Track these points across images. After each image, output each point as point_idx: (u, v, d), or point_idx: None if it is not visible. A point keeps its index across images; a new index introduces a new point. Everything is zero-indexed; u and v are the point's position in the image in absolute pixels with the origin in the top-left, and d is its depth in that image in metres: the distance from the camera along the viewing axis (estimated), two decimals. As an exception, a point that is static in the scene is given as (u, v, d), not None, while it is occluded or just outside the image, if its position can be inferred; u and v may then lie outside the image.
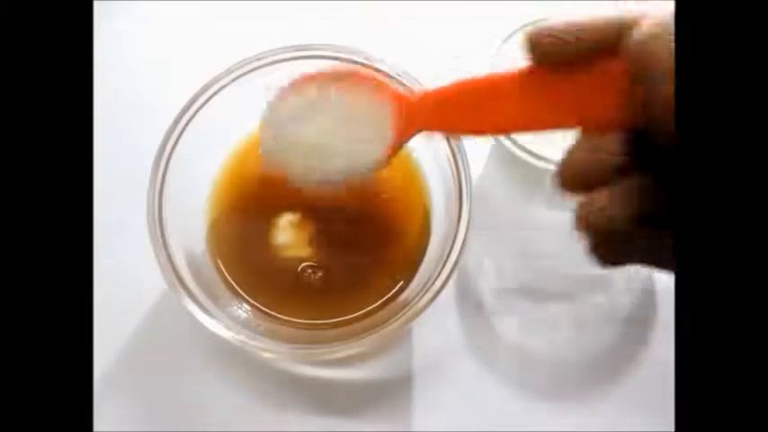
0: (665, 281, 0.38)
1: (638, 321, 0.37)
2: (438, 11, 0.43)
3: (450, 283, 0.31)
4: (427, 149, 0.35)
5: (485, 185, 0.39)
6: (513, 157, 0.36)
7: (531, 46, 0.22)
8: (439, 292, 0.31)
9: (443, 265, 0.31)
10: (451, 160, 0.33)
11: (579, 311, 0.37)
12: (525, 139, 0.36)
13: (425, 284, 0.31)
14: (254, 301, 0.34)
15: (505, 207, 0.39)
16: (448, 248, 0.31)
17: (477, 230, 0.37)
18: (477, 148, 0.38)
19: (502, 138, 0.36)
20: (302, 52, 0.34)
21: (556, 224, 0.39)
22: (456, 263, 0.31)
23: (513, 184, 0.39)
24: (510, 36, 0.38)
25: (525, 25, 0.37)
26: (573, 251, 0.38)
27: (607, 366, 0.36)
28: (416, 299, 0.31)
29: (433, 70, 0.35)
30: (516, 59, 0.38)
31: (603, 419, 0.35)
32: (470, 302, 0.37)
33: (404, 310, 0.31)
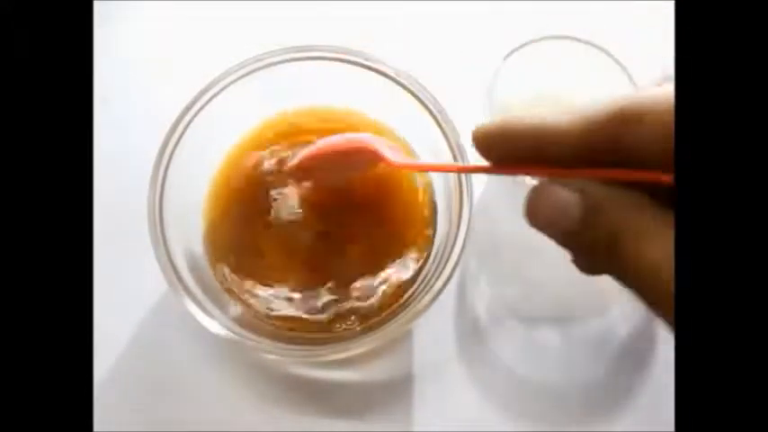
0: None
1: (634, 350, 0.37)
2: (439, 12, 0.43)
3: (450, 292, 0.30)
4: (429, 152, 0.35)
5: (485, 207, 0.39)
6: (515, 181, 0.36)
7: (478, 145, 0.22)
8: (439, 293, 0.31)
9: (444, 266, 0.31)
10: (452, 161, 0.33)
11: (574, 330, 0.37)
12: None
13: (426, 285, 0.31)
14: (254, 302, 0.34)
15: (505, 229, 0.39)
16: (448, 250, 0.31)
17: (476, 252, 0.38)
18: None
19: None
20: (303, 53, 0.34)
21: (554, 249, 0.39)
22: (456, 264, 0.31)
23: (513, 207, 0.39)
24: (513, 51, 0.37)
25: (531, 41, 0.37)
26: (570, 276, 0.38)
27: (603, 385, 0.36)
28: (417, 300, 0.31)
29: (434, 71, 0.35)
30: (517, 74, 0.38)
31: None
32: (468, 317, 0.37)
33: (404, 311, 0.31)
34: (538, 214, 0.20)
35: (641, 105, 0.18)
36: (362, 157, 0.29)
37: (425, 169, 0.34)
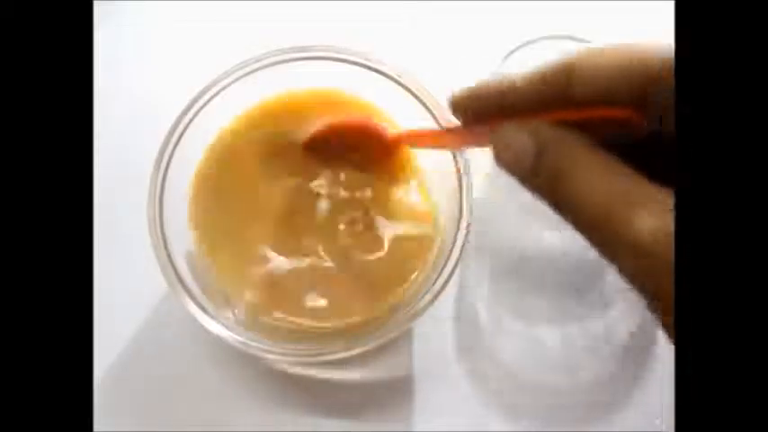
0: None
1: (634, 349, 0.37)
2: (439, 11, 0.43)
3: (450, 292, 0.30)
4: (427, 152, 0.35)
5: (486, 208, 0.39)
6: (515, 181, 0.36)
7: (454, 108, 0.25)
8: (439, 293, 0.31)
9: (444, 266, 0.31)
10: (452, 161, 0.33)
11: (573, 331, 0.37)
12: None
13: (426, 285, 0.31)
14: (253, 302, 0.34)
15: (505, 229, 0.39)
16: (448, 249, 0.31)
17: (476, 252, 0.38)
18: (479, 169, 0.38)
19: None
20: (303, 53, 0.34)
21: (555, 250, 0.39)
22: (456, 264, 0.31)
23: (513, 208, 0.39)
24: (512, 51, 0.37)
25: (528, 42, 0.37)
26: (570, 276, 0.38)
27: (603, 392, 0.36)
28: (417, 300, 0.31)
29: (434, 71, 0.35)
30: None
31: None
32: (468, 317, 0.37)
33: (404, 311, 0.31)
34: (500, 158, 0.22)
35: (584, 59, 0.21)
36: (366, 135, 0.33)
37: (414, 139, 0.34)
